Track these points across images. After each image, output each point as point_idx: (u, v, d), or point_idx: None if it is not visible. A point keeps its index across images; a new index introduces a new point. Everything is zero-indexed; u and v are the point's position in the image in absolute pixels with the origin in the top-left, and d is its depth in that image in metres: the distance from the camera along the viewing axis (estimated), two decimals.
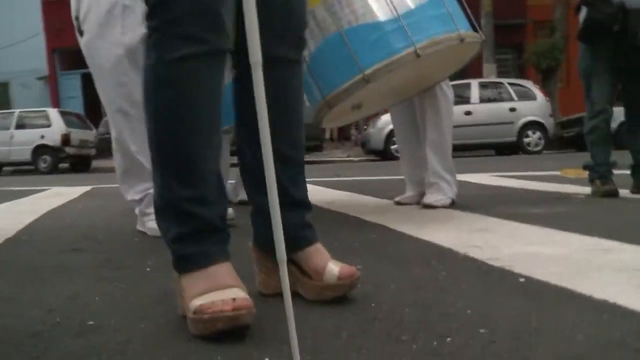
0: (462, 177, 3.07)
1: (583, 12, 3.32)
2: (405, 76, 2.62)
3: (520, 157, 12.00)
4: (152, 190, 1.28)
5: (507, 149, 13.46)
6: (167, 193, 1.12)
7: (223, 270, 1.09)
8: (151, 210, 2.31)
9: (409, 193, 3.23)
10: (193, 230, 1.11)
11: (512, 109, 13.16)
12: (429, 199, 2.96)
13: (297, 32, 1.30)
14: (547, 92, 15.05)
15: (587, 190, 3.46)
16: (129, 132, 2.41)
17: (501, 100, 13.31)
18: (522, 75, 18.77)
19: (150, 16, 1.09)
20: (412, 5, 2.41)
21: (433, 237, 2.05)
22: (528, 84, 13.97)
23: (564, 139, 14.49)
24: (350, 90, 2.40)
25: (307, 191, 1.34)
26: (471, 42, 2.50)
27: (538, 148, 13.26)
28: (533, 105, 13.34)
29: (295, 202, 1.27)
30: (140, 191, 2.46)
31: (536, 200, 3.20)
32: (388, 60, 2.34)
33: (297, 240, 1.26)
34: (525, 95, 13.44)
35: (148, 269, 1.73)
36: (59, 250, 2.17)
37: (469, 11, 2.69)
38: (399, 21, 2.36)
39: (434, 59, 2.50)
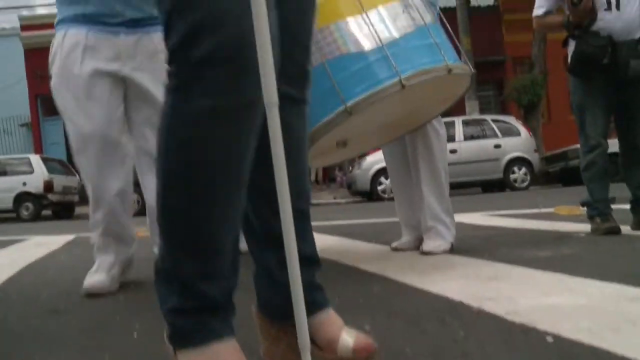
0: (454, 217, 2.97)
1: (571, 46, 3.28)
2: (392, 111, 2.53)
3: (508, 194, 12.00)
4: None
5: (493, 186, 13.46)
6: (172, 262, 0.96)
7: (227, 350, 0.95)
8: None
9: (406, 238, 3.11)
10: (197, 306, 0.95)
11: (497, 146, 13.21)
12: (428, 245, 2.84)
13: (302, 65, 1.18)
14: (530, 127, 15.16)
15: (586, 227, 3.36)
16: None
17: (485, 137, 13.36)
18: (504, 111, 18.93)
19: (170, 60, 0.94)
20: (397, 35, 2.32)
21: (441, 288, 1.92)
22: (511, 120, 14.08)
23: (549, 174, 14.57)
24: (333, 123, 2.28)
25: (315, 246, 1.21)
26: (460, 74, 2.42)
27: (524, 184, 13.28)
28: (517, 141, 13.40)
29: (304, 259, 1.14)
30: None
31: (538, 241, 3.09)
32: (372, 91, 2.24)
33: (307, 305, 1.13)
34: (509, 132, 13.51)
35: (136, 334, 1.58)
36: (39, 312, 2.01)
37: (457, 42, 2.63)
38: (383, 51, 2.26)
39: (421, 92, 2.42)
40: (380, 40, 2.27)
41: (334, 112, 2.25)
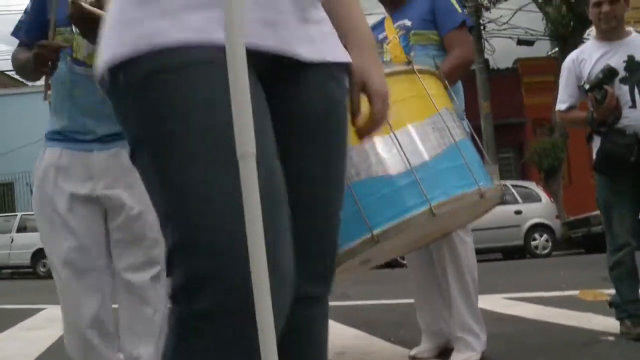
0: None
1: (596, 142, 3.22)
2: (419, 232, 2.47)
3: (529, 262, 11.79)
4: None
5: (514, 252, 13.25)
6: None
7: None
8: None
9: (426, 345, 3.01)
10: None
11: (518, 212, 13.05)
12: (457, 358, 2.73)
13: (325, 262, 1.10)
14: (551, 192, 15.02)
15: (615, 325, 3.22)
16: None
17: (506, 202, 13.21)
18: (524, 174, 18.84)
19: (172, 299, 0.89)
20: (427, 157, 2.24)
21: None
22: (532, 185, 13.97)
23: (571, 240, 14.33)
24: (357, 251, 2.19)
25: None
26: (492, 197, 2.36)
27: (546, 251, 13.06)
28: (538, 207, 13.26)
29: None
30: None
31: (567, 345, 2.96)
32: (400, 219, 2.14)
33: None
34: (530, 197, 13.39)
35: None
36: None
37: (485, 154, 2.59)
38: (412, 175, 2.17)
39: (451, 214, 2.35)
40: (410, 164, 2.19)
41: (359, 239, 2.16)
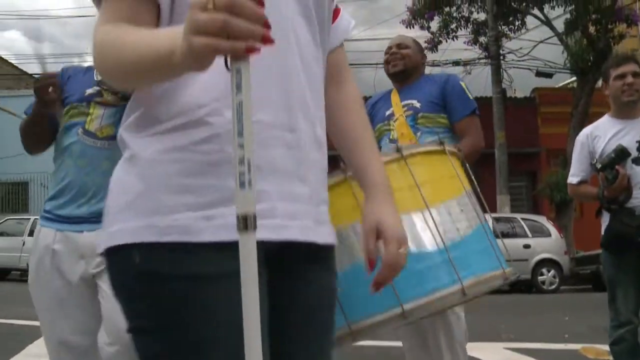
0: (471, 346, 2.85)
1: (605, 217, 3.25)
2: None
3: (535, 300, 11.72)
4: None
5: (521, 285, 13.22)
6: None
7: None
8: None
9: None
10: None
11: (527, 246, 13.04)
12: None
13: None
14: (561, 225, 14.98)
15: None
16: None
17: (515, 235, 13.22)
18: (535, 204, 18.79)
19: None
20: (459, 237, 2.25)
21: None
22: (542, 219, 13.97)
23: (579, 275, 14.27)
24: (383, 324, 2.14)
25: None
26: (511, 278, 2.39)
27: (553, 287, 13.03)
28: (547, 242, 13.25)
29: None
30: None
31: None
32: (432, 296, 2.11)
33: None
34: (539, 232, 13.39)
35: None
36: None
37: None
38: (445, 253, 2.16)
39: None
40: (444, 242, 2.19)
41: (387, 312, 2.11)
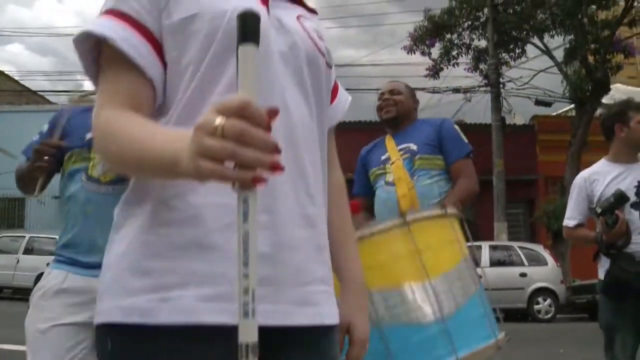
0: None
1: (603, 262, 3.21)
2: None
3: (530, 330, 11.65)
4: None
5: (517, 314, 13.18)
6: None
7: None
8: None
9: None
10: None
11: (523, 274, 13.04)
12: None
13: None
14: (558, 253, 14.97)
15: None
16: None
17: (512, 264, 13.22)
18: (533, 232, 18.77)
19: None
20: (456, 307, 2.27)
21: None
22: (539, 248, 13.96)
23: (576, 304, 14.23)
24: None
25: None
26: (501, 346, 2.38)
27: (548, 316, 12.99)
28: (544, 271, 13.24)
29: None
30: None
31: None
32: None
33: None
34: (536, 260, 13.38)
35: None
36: None
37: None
38: (443, 324, 2.19)
39: None
40: (442, 312, 2.22)
41: None
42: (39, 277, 11.04)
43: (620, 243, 3.11)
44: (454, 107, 24.13)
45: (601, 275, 3.24)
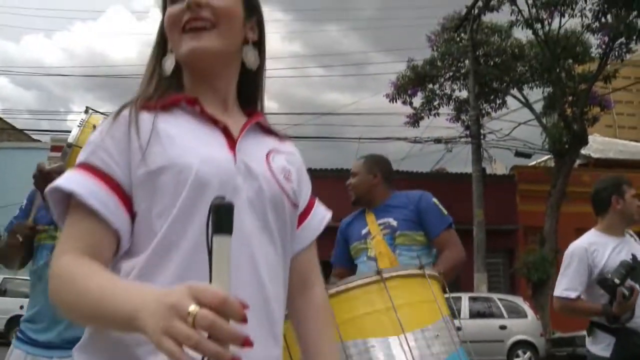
0: None
1: (600, 337, 3.14)
2: None
3: None
4: None
5: None
6: None
7: None
8: None
9: None
10: None
11: (503, 327, 13.02)
12: None
13: None
14: (537, 304, 14.97)
15: None
16: None
17: (492, 316, 13.20)
18: (513, 282, 18.78)
19: None
20: None
21: None
22: (519, 300, 13.99)
23: (555, 357, 14.18)
24: None
25: None
26: None
27: None
28: (524, 324, 13.26)
29: None
30: None
31: None
32: None
33: None
34: (516, 312, 13.42)
35: None
36: None
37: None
38: None
39: None
40: None
41: None
42: (10, 321, 10.78)
43: (626, 317, 3.04)
44: (435, 157, 24.40)
45: (596, 350, 3.15)
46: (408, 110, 18.77)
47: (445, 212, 3.05)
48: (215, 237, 0.86)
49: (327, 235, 1.57)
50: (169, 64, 1.23)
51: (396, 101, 18.50)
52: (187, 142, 1.14)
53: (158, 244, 1.08)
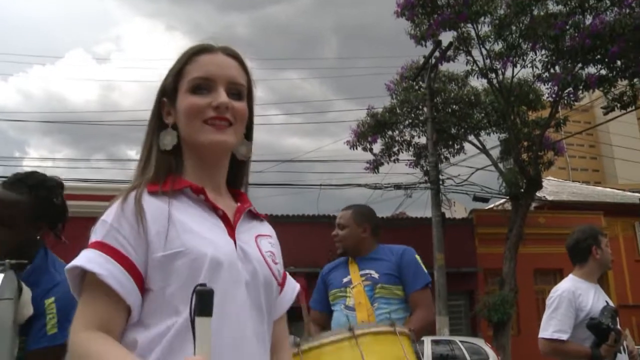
0: None
1: None
2: None
3: None
4: None
5: None
6: None
7: None
8: None
9: None
10: None
11: None
12: None
13: None
14: (499, 345, 15.17)
15: None
16: None
17: (454, 358, 13.31)
18: (474, 323, 18.97)
19: None
20: None
21: None
22: (480, 342, 14.15)
23: None
24: None
25: None
26: None
27: None
28: None
29: None
30: None
31: None
32: None
33: None
34: (478, 353, 13.54)
35: None
36: None
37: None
38: None
39: None
40: None
41: None
42: None
43: (610, 359, 3.19)
44: (396, 202, 24.77)
45: None
46: (369, 156, 19.09)
47: (425, 270, 3.15)
48: (197, 319, 0.99)
49: None
50: (169, 139, 1.37)
51: (356, 148, 18.80)
52: (198, 230, 1.25)
53: (174, 333, 1.19)
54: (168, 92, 1.39)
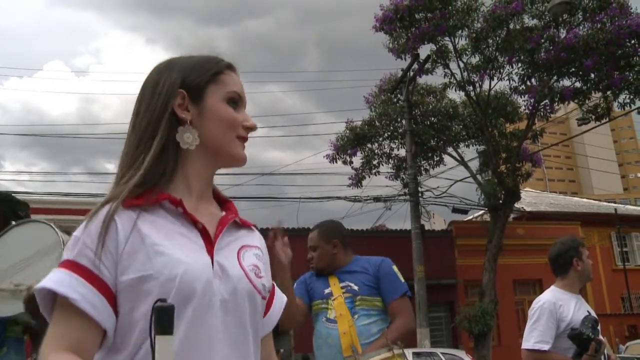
0: None
1: None
2: None
3: None
4: None
5: None
6: None
7: None
8: None
9: None
10: None
11: None
12: None
13: None
14: (480, 355, 15.22)
15: None
16: None
17: None
18: (455, 334, 19.03)
19: None
20: None
21: None
22: (461, 353, 14.17)
23: None
24: None
25: None
26: None
27: None
28: None
29: None
30: None
31: None
32: None
33: None
34: None
35: None
36: None
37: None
38: None
39: None
40: None
41: None
42: None
43: None
44: (375, 214, 24.87)
45: None
46: (348, 169, 19.14)
47: (403, 280, 3.19)
48: (158, 338, 0.92)
49: None
50: (191, 138, 1.30)
51: (336, 161, 18.84)
52: (170, 251, 1.19)
53: (146, 352, 1.13)
54: (193, 87, 1.33)
